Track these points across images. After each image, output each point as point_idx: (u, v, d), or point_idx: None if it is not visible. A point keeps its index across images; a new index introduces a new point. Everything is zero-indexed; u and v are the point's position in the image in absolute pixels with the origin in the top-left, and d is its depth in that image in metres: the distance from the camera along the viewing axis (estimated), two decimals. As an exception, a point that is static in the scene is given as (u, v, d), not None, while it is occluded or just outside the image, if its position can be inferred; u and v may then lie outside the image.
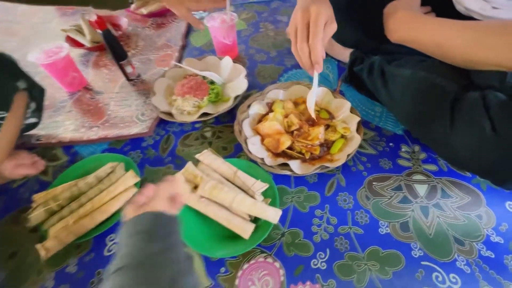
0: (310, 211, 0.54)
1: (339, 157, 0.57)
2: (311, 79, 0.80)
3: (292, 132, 0.63)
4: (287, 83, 0.73)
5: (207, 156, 0.59)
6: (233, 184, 0.56)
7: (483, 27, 0.43)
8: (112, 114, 0.78)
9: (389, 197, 0.54)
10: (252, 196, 0.54)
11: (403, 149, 0.61)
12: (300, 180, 0.59)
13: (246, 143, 0.61)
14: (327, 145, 0.61)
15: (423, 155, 0.60)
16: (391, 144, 0.63)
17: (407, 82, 0.57)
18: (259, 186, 0.54)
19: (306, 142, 0.60)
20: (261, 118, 0.68)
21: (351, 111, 0.64)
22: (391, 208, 0.53)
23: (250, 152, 0.59)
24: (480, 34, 0.43)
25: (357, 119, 0.61)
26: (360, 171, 0.59)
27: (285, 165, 0.57)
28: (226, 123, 0.72)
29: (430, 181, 0.56)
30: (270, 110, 0.69)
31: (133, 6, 1.16)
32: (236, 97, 0.72)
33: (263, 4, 1.16)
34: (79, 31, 1.05)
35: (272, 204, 0.53)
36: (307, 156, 0.59)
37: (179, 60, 0.95)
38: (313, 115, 0.62)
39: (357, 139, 0.58)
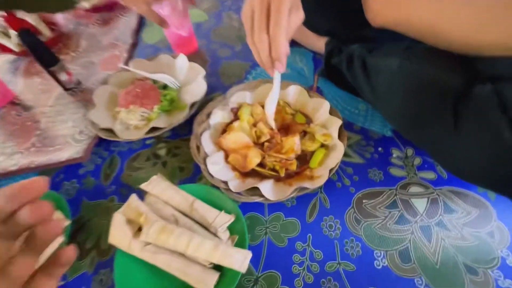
0: (289, 245, 0.44)
1: (320, 172, 0.46)
2: (282, 74, 0.69)
3: (262, 145, 0.52)
4: (255, 82, 0.62)
5: (156, 185, 0.46)
6: (191, 218, 0.44)
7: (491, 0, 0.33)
8: (42, 135, 0.63)
9: (383, 217, 0.45)
10: (214, 234, 0.43)
11: (394, 155, 0.52)
12: (275, 204, 0.48)
13: (205, 163, 0.49)
14: (305, 158, 0.50)
15: (417, 160, 0.51)
16: (379, 149, 0.53)
17: (394, 76, 0.46)
18: (222, 221, 0.42)
19: (280, 156, 0.48)
20: (226, 128, 0.56)
21: (331, 113, 0.54)
22: (387, 231, 0.43)
23: (210, 176, 0.47)
24: (486, 8, 0.33)
25: (339, 122, 0.51)
26: (347, 187, 0.48)
27: (256, 189, 0.45)
28: (185, 136, 0.59)
29: (429, 193, 0.46)
30: (236, 118, 0.57)
31: (73, 0, 0.99)
32: (193, 104, 0.59)
33: (226, -9, 1.02)
34: (5, 32, 0.87)
35: (241, 241, 0.42)
36: (282, 173, 0.48)
37: (128, 61, 0.80)
38: (273, 125, 0.50)
39: (340, 148, 0.47)
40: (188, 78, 0.67)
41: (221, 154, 0.51)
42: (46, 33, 0.88)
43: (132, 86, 0.61)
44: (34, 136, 0.62)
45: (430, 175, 0.48)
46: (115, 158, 0.57)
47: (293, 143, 0.49)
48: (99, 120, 0.58)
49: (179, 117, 0.57)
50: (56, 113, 0.68)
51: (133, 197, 0.45)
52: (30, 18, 0.91)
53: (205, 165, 0.48)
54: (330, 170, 0.45)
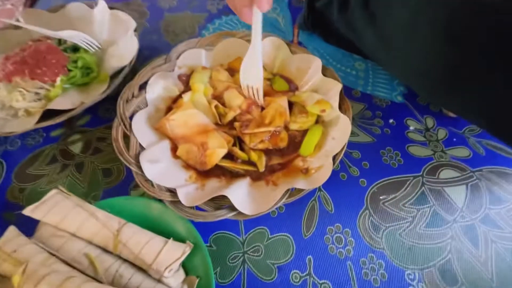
0: (280, 277, 0.28)
1: (319, 162, 0.30)
2: (249, 27, 0.51)
3: (230, 126, 0.35)
4: (212, 36, 0.42)
5: (54, 206, 0.27)
6: (119, 258, 0.27)
7: None
8: None
9: (410, 219, 0.31)
10: (159, 281, 0.26)
11: (411, 127, 0.38)
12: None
13: (137, 163, 0.30)
14: (293, 142, 0.34)
15: (442, 133, 0.37)
16: (391, 121, 0.39)
17: (420, 10, 0.31)
18: (169, 258, 0.25)
19: (262, 131, 0.32)
20: (172, 105, 0.37)
21: (324, 73, 0.37)
22: (418, 239, 0.30)
23: (147, 182, 0.29)
24: None
25: (338, 86, 0.35)
26: (355, 178, 0.34)
27: (223, 198, 0.28)
28: (111, 122, 0.39)
29: (467, 178, 0.33)
30: (187, 89, 0.38)
31: None
32: (118, 73, 0.39)
33: None
34: None
35: (205, 283, 0.26)
36: (261, 167, 0.32)
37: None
38: (260, 100, 0.34)
39: (344, 123, 0.32)
40: (113, 36, 0.45)
41: (165, 145, 0.33)
42: None
43: (16, 50, 0.39)
44: None
45: (463, 151, 0.35)
46: (-2, 164, 0.36)
47: (279, 107, 0.32)
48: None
49: (97, 93, 0.37)
50: None
51: (11, 231, 0.26)
52: None
53: (138, 165, 0.30)
54: (334, 158, 0.30)
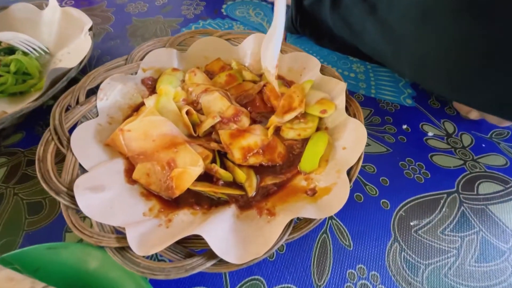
0: None
1: (329, 179, 0.22)
2: (229, 29, 0.45)
3: (208, 137, 0.26)
4: (185, 34, 0.35)
5: None
6: None
7: None
8: None
9: (454, 251, 0.23)
10: None
11: (429, 133, 0.31)
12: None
13: (70, 191, 0.21)
14: (291, 154, 0.26)
15: (467, 139, 0.31)
16: (404, 126, 0.32)
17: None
18: None
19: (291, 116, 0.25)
20: (132, 115, 0.29)
21: (322, 72, 0.31)
22: (471, 280, 0.22)
23: (80, 221, 0.20)
24: None
25: (341, 85, 0.28)
26: (374, 198, 0.26)
27: (197, 239, 0.19)
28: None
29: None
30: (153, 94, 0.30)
31: None
32: (60, 78, 0.30)
33: None
34: None
35: None
36: (251, 189, 0.23)
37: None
38: (276, 85, 0.27)
39: (356, 128, 0.24)
40: (64, 39, 0.37)
41: (116, 166, 0.24)
42: None
43: None
44: None
45: (498, 160, 0.29)
46: None
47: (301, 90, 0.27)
48: None
49: (29, 100, 0.28)
50: None
51: None
52: None
53: (71, 196, 0.20)
54: (349, 173, 0.22)
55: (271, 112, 0.29)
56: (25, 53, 0.35)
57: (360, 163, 0.22)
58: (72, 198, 0.20)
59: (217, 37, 0.35)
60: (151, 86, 0.31)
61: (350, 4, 0.34)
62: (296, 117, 0.27)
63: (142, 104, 0.29)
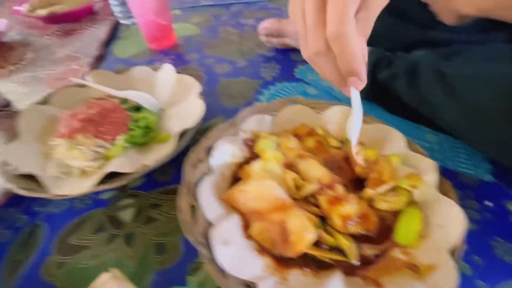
0: None
1: (431, 258, 0.24)
2: (305, 94, 0.50)
3: (306, 199, 0.30)
4: (277, 102, 0.42)
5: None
6: None
7: None
8: None
9: None
10: None
11: (515, 212, 0.32)
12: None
13: (208, 241, 0.25)
14: (384, 225, 0.29)
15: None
16: (487, 203, 0.33)
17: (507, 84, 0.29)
18: None
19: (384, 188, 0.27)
20: (238, 173, 0.34)
21: (409, 147, 0.34)
22: None
23: (221, 272, 0.24)
24: None
25: (428, 161, 0.31)
26: (470, 279, 0.27)
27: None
28: (167, 186, 0.36)
29: None
30: (254, 155, 0.35)
31: (27, 7, 0.78)
32: (183, 134, 0.37)
33: (220, 8, 0.88)
34: None
35: None
36: (353, 256, 0.26)
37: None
38: (360, 161, 0.30)
39: (450, 207, 0.27)
40: (175, 98, 0.45)
41: (235, 222, 0.28)
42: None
43: (82, 106, 0.39)
44: None
45: None
46: (39, 229, 0.32)
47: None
48: (19, 160, 0.34)
49: (159, 155, 0.34)
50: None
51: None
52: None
53: (208, 246, 0.25)
54: (454, 252, 0.24)
55: (356, 178, 0.33)
56: (147, 110, 0.43)
57: (464, 246, 0.24)
58: (209, 249, 0.25)
59: (303, 106, 0.41)
60: (251, 146, 0.37)
61: (428, 84, 0.38)
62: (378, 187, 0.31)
63: (246, 162, 0.34)
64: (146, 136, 0.39)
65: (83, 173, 0.34)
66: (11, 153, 0.34)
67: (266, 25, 0.58)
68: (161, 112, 0.45)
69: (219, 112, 0.47)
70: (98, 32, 0.74)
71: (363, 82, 0.23)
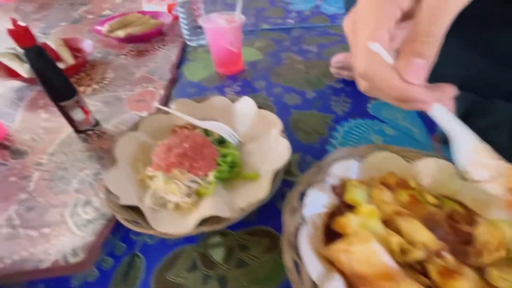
0: None
1: None
2: (382, 133, 0.48)
3: (412, 266, 0.29)
4: (361, 147, 0.41)
5: None
6: None
7: None
8: (27, 202, 0.40)
9: None
10: None
11: None
12: None
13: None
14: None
15: None
16: None
17: None
18: None
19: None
20: (329, 223, 0.33)
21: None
22: None
23: None
24: None
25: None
26: None
27: None
28: (252, 226, 0.36)
29: None
30: (343, 204, 0.35)
31: (106, 28, 0.86)
32: (275, 175, 0.37)
33: (280, 32, 0.89)
34: (18, 56, 0.71)
35: None
36: None
37: (165, 101, 0.62)
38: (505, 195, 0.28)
39: None
40: (254, 132, 0.46)
41: (339, 282, 0.27)
42: (68, 60, 0.72)
43: (175, 138, 0.41)
44: (16, 204, 0.40)
45: None
46: (138, 260, 0.33)
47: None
48: (120, 189, 0.36)
49: (253, 196, 0.34)
50: (56, 166, 0.46)
51: None
52: (52, 41, 0.76)
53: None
54: None
55: (461, 242, 0.30)
56: (228, 144, 0.44)
57: None
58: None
59: (392, 153, 0.39)
60: (339, 194, 0.36)
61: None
62: (503, 264, 0.28)
63: (337, 212, 0.34)
64: (232, 172, 0.40)
65: (177, 207, 0.36)
66: (112, 182, 0.37)
67: (340, 58, 0.58)
68: (240, 147, 0.45)
69: (296, 148, 0.47)
70: (169, 53, 0.78)
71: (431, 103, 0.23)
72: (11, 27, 0.40)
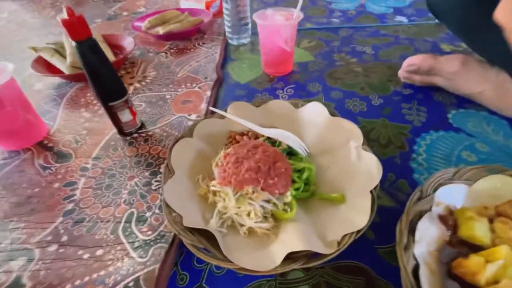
0: None
1: None
2: (474, 150, 0.41)
3: None
4: (468, 169, 0.33)
5: None
6: None
7: None
8: (74, 214, 0.36)
9: None
10: None
11: None
12: None
13: None
14: None
15: None
16: None
17: None
18: None
19: None
20: (448, 263, 0.26)
21: None
22: None
23: None
24: None
25: None
26: None
27: None
28: (344, 260, 0.30)
29: None
30: (456, 239, 0.28)
31: (145, 24, 0.82)
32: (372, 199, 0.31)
33: (327, 31, 0.83)
34: (59, 51, 0.68)
35: None
36: None
37: (213, 103, 0.56)
38: None
39: None
40: (325, 144, 0.40)
41: None
42: (109, 57, 0.69)
43: (241, 148, 0.35)
44: (62, 215, 0.35)
45: None
46: (205, 293, 0.28)
47: None
48: (183, 208, 0.31)
49: (349, 225, 0.28)
50: (102, 172, 0.42)
51: None
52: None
53: None
54: None
55: None
56: (300, 156, 0.38)
57: None
58: None
59: (508, 176, 0.32)
60: (451, 226, 0.29)
61: None
62: None
63: (457, 254, 0.27)
64: (307, 191, 0.34)
65: (250, 232, 0.30)
66: (172, 197, 0.31)
67: (415, 61, 0.51)
68: (307, 159, 0.39)
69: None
70: (210, 52, 0.73)
71: None
72: (65, 17, 0.36)
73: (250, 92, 0.58)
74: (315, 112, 0.42)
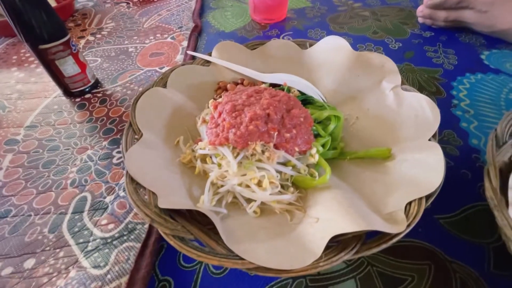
0: None
1: None
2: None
3: None
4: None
5: None
6: None
7: None
8: (-9, 202, 0.24)
9: None
10: None
11: None
12: None
13: None
14: None
15: None
16: None
17: None
18: None
19: None
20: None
21: None
22: None
23: None
24: None
25: None
26: None
27: None
28: (401, 241, 0.21)
29: None
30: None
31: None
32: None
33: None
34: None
35: None
36: None
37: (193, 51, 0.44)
38: None
39: None
40: (349, 89, 0.30)
41: None
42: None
43: (237, 94, 0.24)
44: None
45: None
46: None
47: None
48: (156, 183, 0.20)
49: (408, 193, 0.19)
50: (38, 145, 0.29)
51: None
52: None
53: None
54: None
55: None
56: (318, 103, 0.28)
57: None
58: None
59: None
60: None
61: None
62: None
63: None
64: (335, 148, 0.24)
65: (262, 211, 0.20)
66: (139, 169, 0.20)
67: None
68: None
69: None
70: (183, 0, 0.60)
71: None
72: None
73: (238, 41, 0.46)
74: (332, 49, 0.32)
